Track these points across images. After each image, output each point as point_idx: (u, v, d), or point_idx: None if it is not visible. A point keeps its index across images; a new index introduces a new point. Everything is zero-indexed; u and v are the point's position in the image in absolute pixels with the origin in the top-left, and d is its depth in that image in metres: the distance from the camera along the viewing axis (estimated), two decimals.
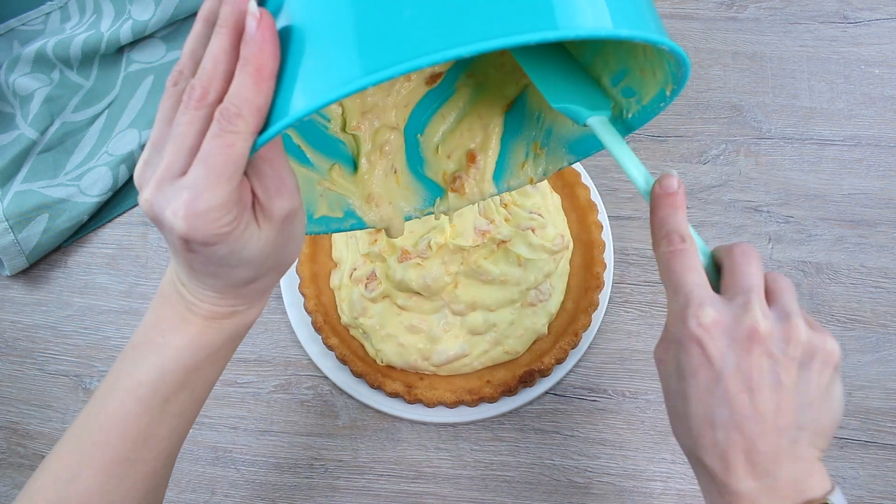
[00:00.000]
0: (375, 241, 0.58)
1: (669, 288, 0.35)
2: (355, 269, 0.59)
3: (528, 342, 0.58)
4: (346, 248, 0.60)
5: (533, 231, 0.58)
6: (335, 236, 0.61)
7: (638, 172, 0.36)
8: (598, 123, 0.37)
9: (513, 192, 0.60)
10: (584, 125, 0.38)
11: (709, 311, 0.33)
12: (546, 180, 0.60)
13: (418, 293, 0.57)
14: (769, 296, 0.34)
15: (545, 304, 0.58)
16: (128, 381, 0.35)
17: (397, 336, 0.57)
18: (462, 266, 0.57)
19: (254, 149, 0.29)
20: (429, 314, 0.58)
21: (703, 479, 0.35)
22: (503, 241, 0.57)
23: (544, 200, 0.61)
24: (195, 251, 0.31)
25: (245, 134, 0.28)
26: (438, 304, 0.57)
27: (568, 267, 0.61)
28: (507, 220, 0.59)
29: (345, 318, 0.59)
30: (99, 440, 0.35)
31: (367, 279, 0.58)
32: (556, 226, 0.60)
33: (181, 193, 0.29)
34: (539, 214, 0.60)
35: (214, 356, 0.37)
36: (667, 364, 0.35)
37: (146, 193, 0.30)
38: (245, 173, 0.30)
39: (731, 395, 0.32)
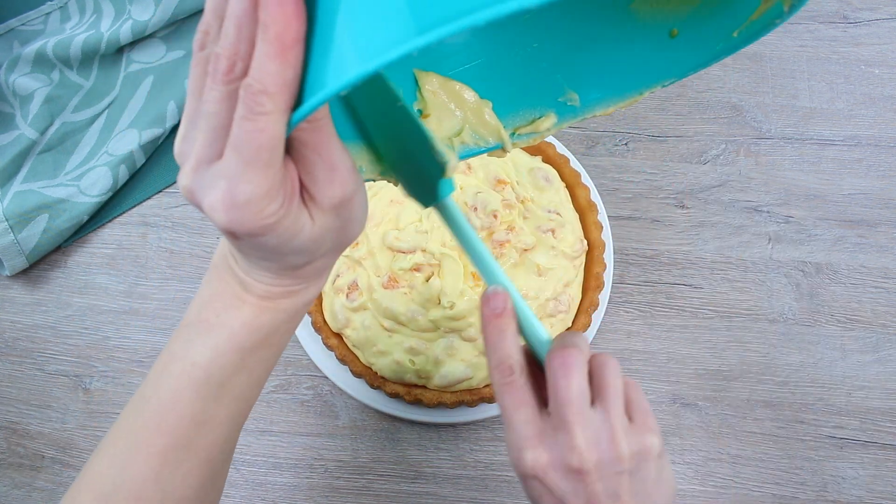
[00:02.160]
0: (357, 244, 0.57)
1: (504, 419, 0.36)
2: (338, 277, 0.58)
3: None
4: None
5: (553, 234, 0.58)
6: None
7: (499, 274, 0.36)
8: (448, 204, 0.37)
9: (528, 188, 0.59)
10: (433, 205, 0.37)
11: (539, 453, 0.34)
12: (551, 174, 0.60)
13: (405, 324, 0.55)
14: (595, 391, 0.35)
15: (565, 316, 0.57)
16: (181, 364, 0.33)
17: (392, 353, 0.55)
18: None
19: (289, 129, 0.25)
20: (431, 340, 0.56)
21: None
22: (526, 250, 0.57)
23: (558, 195, 0.60)
24: (242, 240, 0.28)
25: (275, 114, 0.24)
26: (444, 329, 0.55)
27: (583, 273, 0.59)
28: (525, 217, 0.58)
29: (333, 327, 0.58)
30: (152, 425, 0.33)
31: (349, 289, 0.57)
32: (573, 226, 0.59)
33: (218, 183, 0.26)
34: (558, 213, 0.59)
35: (272, 337, 0.34)
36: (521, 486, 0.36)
37: (183, 180, 0.27)
38: (288, 153, 0.27)
39: None
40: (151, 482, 0.33)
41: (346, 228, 0.31)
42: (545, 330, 0.38)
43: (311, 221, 0.29)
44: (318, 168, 0.27)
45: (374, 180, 0.37)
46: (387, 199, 0.59)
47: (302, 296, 0.34)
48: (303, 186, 0.28)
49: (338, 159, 0.28)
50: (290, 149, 0.27)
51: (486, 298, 0.37)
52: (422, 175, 0.37)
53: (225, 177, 0.26)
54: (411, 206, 0.58)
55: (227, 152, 0.25)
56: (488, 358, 0.37)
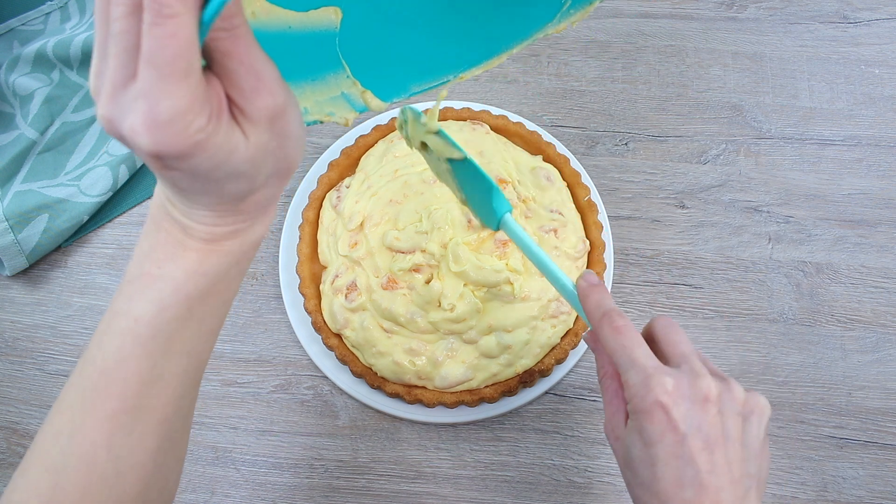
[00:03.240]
0: (355, 244, 0.57)
1: (623, 362, 0.38)
2: (337, 277, 0.58)
3: (541, 356, 0.56)
4: (329, 249, 0.59)
5: (555, 233, 0.58)
6: (320, 237, 0.60)
7: (562, 276, 0.42)
8: (510, 222, 0.43)
9: (530, 188, 0.59)
10: (498, 228, 0.43)
11: (669, 380, 0.36)
12: (554, 174, 0.60)
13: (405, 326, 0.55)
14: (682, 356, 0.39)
15: (567, 317, 0.57)
16: (124, 321, 0.31)
17: (391, 354, 0.55)
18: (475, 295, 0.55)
19: (202, 32, 0.24)
20: (431, 342, 0.56)
21: None
22: None
23: (560, 195, 0.60)
24: (173, 168, 0.26)
25: (184, 15, 0.23)
26: (444, 331, 0.55)
27: None
28: (527, 217, 0.58)
29: (332, 327, 0.58)
30: (100, 387, 0.31)
31: (348, 289, 0.57)
32: (575, 227, 0.59)
33: (136, 105, 0.24)
34: (560, 213, 0.59)
35: (220, 284, 0.32)
36: (628, 435, 0.38)
37: (101, 109, 0.25)
38: (210, 69, 0.26)
39: (694, 453, 0.35)
40: (103, 449, 0.31)
41: (283, 147, 0.29)
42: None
43: (245, 139, 0.27)
44: (242, 78, 0.26)
45: (320, 122, 0.37)
46: (386, 199, 0.59)
47: (248, 235, 0.32)
48: (231, 101, 0.27)
49: (262, 67, 0.26)
50: (212, 62, 0.26)
51: (582, 276, 0.41)
52: (482, 203, 0.43)
53: (143, 96, 0.24)
54: (410, 207, 0.58)
55: (142, 69, 0.24)
56: (593, 318, 0.40)
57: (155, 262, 0.31)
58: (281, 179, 0.31)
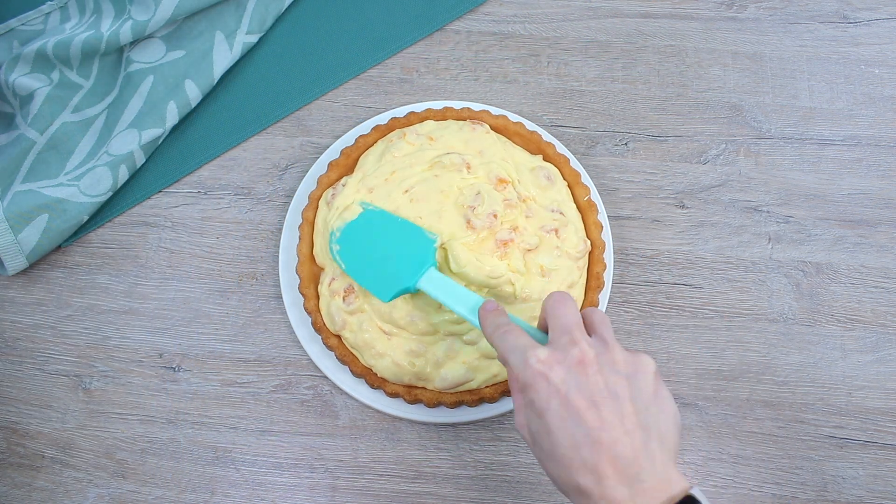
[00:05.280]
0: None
1: (507, 354, 0.41)
2: (334, 280, 0.57)
3: None
4: (323, 252, 0.59)
5: (557, 233, 0.57)
6: (315, 239, 0.60)
7: (465, 305, 0.49)
8: (425, 283, 0.51)
9: (530, 187, 0.60)
10: (417, 291, 0.52)
11: (542, 350, 0.40)
12: (553, 173, 0.60)
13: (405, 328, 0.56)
14: (589, 329, 0.42)
15: None
16: None
17: (391, 356, 0.55)
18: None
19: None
20: (432, 343, 0.56)
21: None
22: (529, 250, 0.57)
23: (560, 194, 0.60)
24: None
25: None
26: (445, 332, 0.55)
27: (585, 275, 0.59)
28: (528, 217, 0.58)
29: (330, 329, 0.57)
30: None
31: (346, 292, 0.57)
32: (576, 226, 0.59)
33: None
34: (561, 212, 0.59)
35: None
36: (526, 415, 0.40)
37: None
38: None
39: (581, 412, 0.37)
40: None
41: None
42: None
43: None
44: None
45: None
46: (383, 198, 0.59)
47: None
48: None
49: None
50: None
51: (483, 306, 0.47)
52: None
53: None
54: (409, 207, 0.58)
55: None
56: (487, 331, 0.44)
57: None
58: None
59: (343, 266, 0.55)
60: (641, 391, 0.38)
